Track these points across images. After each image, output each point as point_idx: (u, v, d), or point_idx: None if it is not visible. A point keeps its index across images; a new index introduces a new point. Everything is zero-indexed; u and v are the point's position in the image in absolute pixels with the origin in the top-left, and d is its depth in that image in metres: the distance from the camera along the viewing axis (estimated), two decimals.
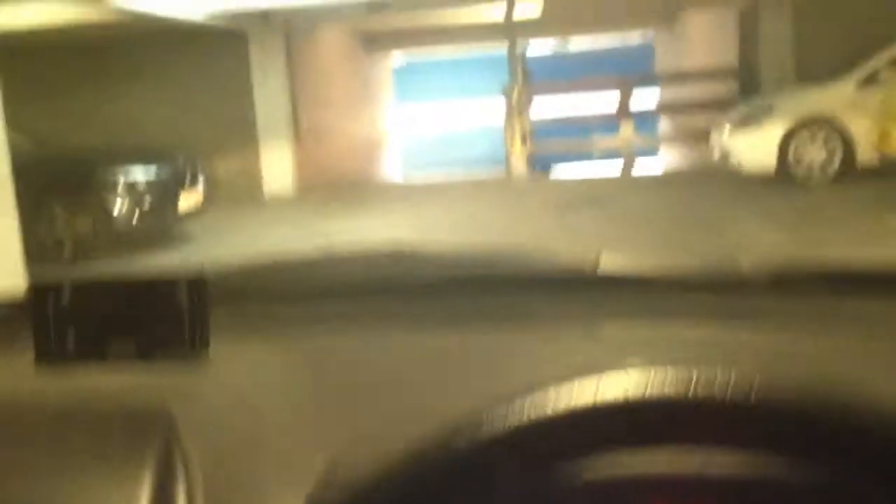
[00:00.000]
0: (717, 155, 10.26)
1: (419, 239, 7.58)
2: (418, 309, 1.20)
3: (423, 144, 17.31)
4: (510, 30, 11.73)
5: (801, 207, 8.22)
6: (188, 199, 8.70)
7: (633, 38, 18.46)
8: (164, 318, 0.87)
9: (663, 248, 6.34)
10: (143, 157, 8.72)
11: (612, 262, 1.29)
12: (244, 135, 11.87)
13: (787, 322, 1.13)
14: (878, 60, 9.22)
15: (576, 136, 12.99)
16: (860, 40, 9.64)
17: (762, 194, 8.97)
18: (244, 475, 0.78)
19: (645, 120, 13.70)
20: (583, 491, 0.82)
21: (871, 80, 9.14)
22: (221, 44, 11.67)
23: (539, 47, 17.89)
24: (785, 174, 9.34)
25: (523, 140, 11.76)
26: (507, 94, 11.96)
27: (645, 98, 13.60)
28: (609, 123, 12.55)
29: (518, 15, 11.73)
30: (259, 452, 0.81)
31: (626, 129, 12.03)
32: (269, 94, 11.91)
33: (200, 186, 8.94)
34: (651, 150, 13.88)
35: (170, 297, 0.87)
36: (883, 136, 8.47)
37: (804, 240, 6.82)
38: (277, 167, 11.96)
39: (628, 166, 11.99)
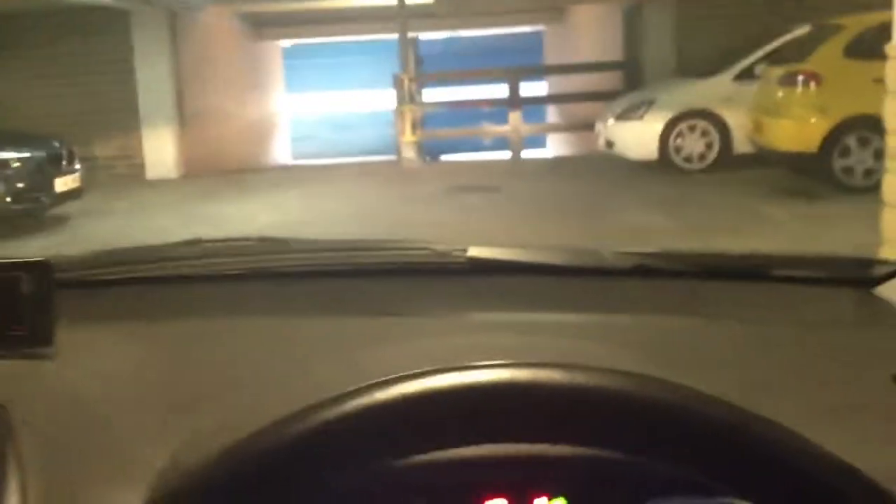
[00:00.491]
0: (602, 144, 10.51)
1: (300, 222, 7.51)
2: (283, 297, 1.19)
3: (312, 130, 17.10)
4: (402, 16, 11.70)
5: (681, 194, 8.49)
6: (65, 183, 8.44)
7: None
8: (4, 305, 0.84)
9: (547, 231, 6.44)
10: (16, 139, 8.48)
11: (482, 250, 1.30)
12: (126, 117, 11.52)
13: (652, 306, 1.17)
14: (754, 56, 9.59)
15: (466, 124, 13.08)
16: (737, 37, 10.04)
17: (644, 182, 9.22)
18: (83, 469, 0.76)
19: (534, 109, 13.89)
20: (417, 484, 0.83)
21: (746, 75, 9.50)
22: (104, 23, 11.28)
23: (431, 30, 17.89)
24: (666, 162, 9.65)
25: (414, 127, 11.77)
26: (398, 80, 11.94)
27: (533, 88, 13.78)
28: (498, 112, 12.67)
29: (411, 1, 11.72)
30: (100, 446, 0.79)
31: (515, 118, 12.17)
32: (152, 76, 11.57)
33: (78, 169, 8.70)
34: (540, 139, 14.08)
35: (11, 283, 0.84)
36: (757, 127, 8.81)
37: (683, 225, 7.04)
38: (161, 151, 11.65)
39: (516, 154, 12.14)
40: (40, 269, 0.86)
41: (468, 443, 0.51)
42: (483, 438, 0.51)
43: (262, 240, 1.39)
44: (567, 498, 0.86)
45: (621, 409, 0.50)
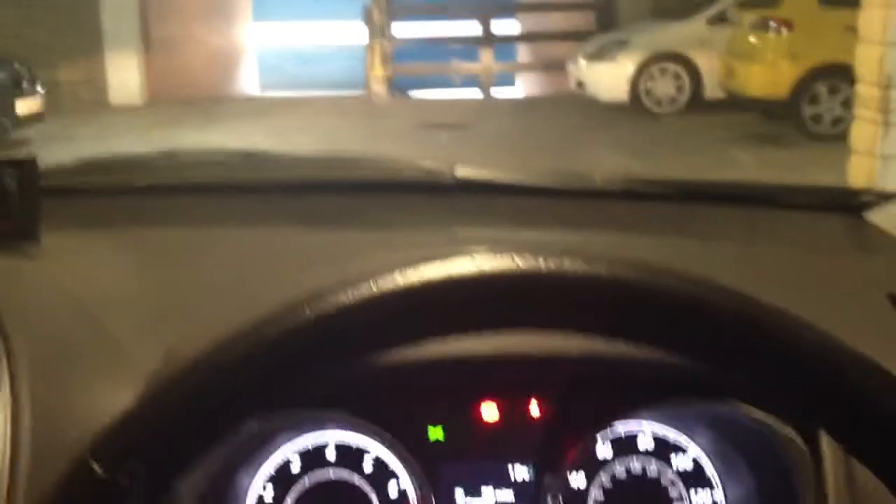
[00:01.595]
0: (573, 84, 10.45)
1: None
2: (267, 210, 1.16)
3: (281, 61, 16.81)
4: None
5: (651, 137, 8.50)
6: (27, 106, 8.28)
7: None
8: None
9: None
10: None
11: (469, 169, 1.29)
12: (90, 41, 11.23)
13: (640, 228, 1.17)
14: (727, 1, 9.54)
15: (436, 60, 12.93)
16: None
17: (615, 123, 9.21)
18: (74, 365, 0.75)
19: (504, 47, 13.74)
20: (406, 386, 0.82)
21: (719, 19, 9.46)
22: None
23: None
24: (637, 105, 9.63)
25: (384, 61, 11.60)
26: (368, 12, 11.73)
27: (505, 26, 13.62)
28: (469, 49, 12.53)
29: None
30: (90, 343, 0.78)
31: (486, 56, 12.04)
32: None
33: (40, 93, 8.52)
34: (510, 77, 13.98)
35: None
36: (728, 72, 8.81)
37: (653, 167, 7.06)
38: (125, 77, 11.41)
39: (486, 92, 12.04)
40: (26, 167, 0.84)
41: (457, 333, 0.50)
42: (473, 328, 0.50)
43: (244, 153, 1.36)
44: (559, 401, 0.86)
45: (624, 294, 0.48)
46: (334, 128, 9.44)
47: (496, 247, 0.50)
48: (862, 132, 4.92)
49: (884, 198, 1.16)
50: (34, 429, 0.69)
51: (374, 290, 0.48)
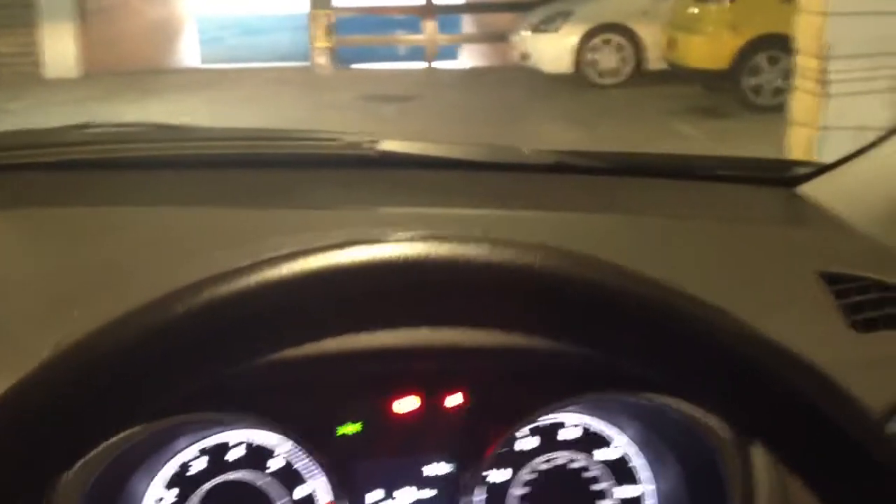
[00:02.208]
0: (517, 56, 10.40)
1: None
2: (181, 186, 1.10)
3: (223, 32, 16.49)
4: None
5: (595, 109, 8.49)
6: None
7: None
8: None
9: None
10: None
11: (394, 143, 1.24)
12: (23, 13, 10.87)
13: (571, 203, 1.13)
14: None
15: (380, 31, 12.78)
16: None
17: (559, 95, 9.19)
18: None
19: (449, 18, 13.62)
20: (319, 380, 0.78)
21: None
22: None
23: None
24: (581, 76, 9.62)
25: (327, 32, 11.44)
26: None
27: None
28: (412, 21, 12.41)
29: None
30: None
31: (430, 27, 11.92)
32: None
33: None
34: (454, 49, 13.88)
35: None
36: (671, 44, 8.83)
37: (596, 138, 7.06)
38: (61, 48, 11.07)
39: (431, 64, 11.94)
40: None
41: (372, 326, 0.44)
42: (385, 322, 0.45)
43: (160, 126, 1.29)
44: (478, 394, 0.82)
45: (545, 285, 0.44)
46: (277, 100, 9.28)
47: (407, 231, 0.45)
48: (801, 103, 4.95)
49: (817, 170, 1.13)
50: None
51: (252, 281, 0.43)
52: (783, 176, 1.15)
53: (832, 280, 0.88)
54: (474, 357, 0.78)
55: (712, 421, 0.76)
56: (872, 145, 1.06)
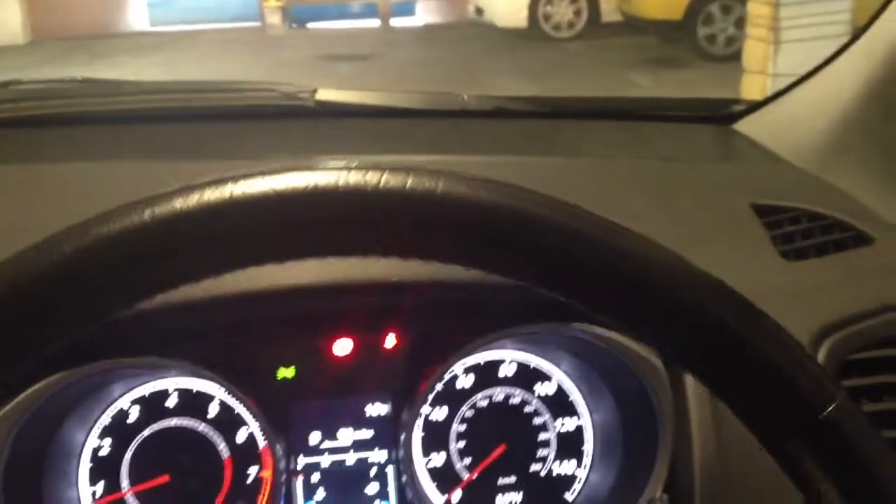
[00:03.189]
0: (471, 11, 10.33)
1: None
2: (112, 141, 1.08)
3: None
4: None
5: (551, 62, 8.46)
6: None
7: None
8: None
9: None
10: None
11: (331, 92, 1.22)
12: None
13: (511, 146, 1.12)
14: None
15: None
16: None
17: (515, 50, 9.13)
18: None
19: None
20: (253, 319, 0.76)
21: None
22: None
23: None
24: (536, 30, 9.57)
25: None
26: None
27: None
28: None
29: None
30: None
31: None
32: None
33: None
34: (409, 6, 13.74)
35: None
36: None
37: (553, 91, 7.04)
38: (5, 14, 10.80)
39: (385, 21, 11.81)
40: None
41: (291, 256, 0.43)
42: (315, 250, 0.43)
43: (88, 81, 1.26)
44: (414, 331, 0.81)
45: (482, 216, 0.42)
46: (230, 62, 9.14)
47: (337, 162, 0.43)
48: (754, 51, 4.97)
49: (751, 107, 1.13)
50: None
51: (165, 208, 0.41)
52: (718, 114, 1.16)
53: (764, 212, 0.89)
54: (405, 293, 0.77)
55: (643, 351, 0.76)
56: (802, 80, 1.06)
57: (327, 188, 0.41)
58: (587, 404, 0.87)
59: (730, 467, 0.73)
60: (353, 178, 0.42)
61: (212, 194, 0.41)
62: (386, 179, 0.42)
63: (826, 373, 0.45)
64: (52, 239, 0.41)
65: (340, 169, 0.43)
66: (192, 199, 0.41)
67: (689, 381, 0.76)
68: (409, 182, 0.43)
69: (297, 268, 0.73)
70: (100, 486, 0.82)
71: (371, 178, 0.42)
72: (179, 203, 0.41)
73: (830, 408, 0.44)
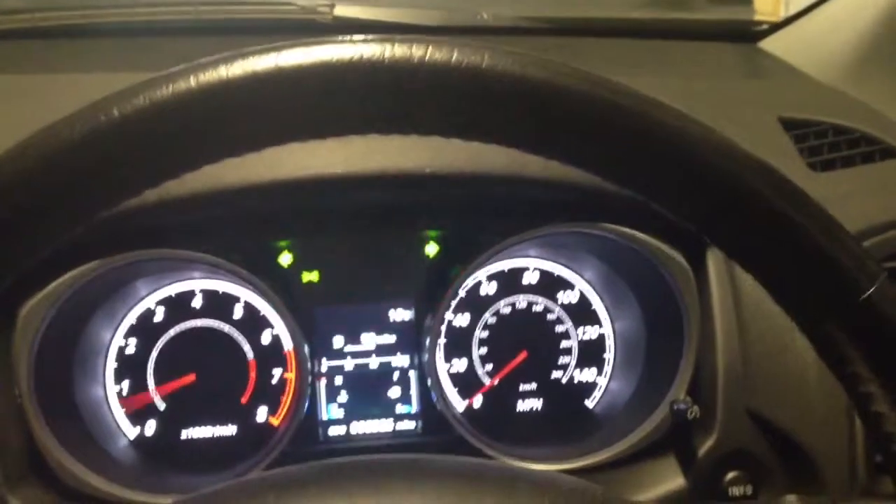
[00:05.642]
0: None
1: None
2: (125, 53, 1.07)
3: None
4: None
5: (556, 2, 8.34)
6: None
7: None
8: None
9: None
10: None
11: (350, 7, 1.20)
12: None
13: None
14: None
15: None
16: None
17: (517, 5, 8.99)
18: None
19: None
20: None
21: None
22: None
23: None
24: None
25: None
26: None
27: None
28: None
29: None
30: None
31: None
32: None
33: None
34: None
35: None
36: None
37: None
38: None
39: None
40: None
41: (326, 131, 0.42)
42: (340, 127, 0.42)
43: None
44: (437, 236, 0.81)
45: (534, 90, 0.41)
46: None
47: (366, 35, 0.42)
48: None
49: (776, 25, 1.12)
50: None
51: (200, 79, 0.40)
52: (744, 32, 1.14)
53: (791, 125, 0.88)
54: (433, 191, 0.76)
55: (670, 251, 0.76)
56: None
57: (373, 59, 0.40)
58: (609, 313, 0.87)
59: (752, 369, 0.73)
60: (398, 49, 0.41)
61: (257, 63, 0.40)
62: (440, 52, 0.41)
63: (869, 253, 0.45)
64: (104, 100, 0.40)
65: (386, 41, 0.42)
66: (239, 68, 0.40)
67: (714, 283, 0.76)
68: (457, 55, 0.42)
69: (320, 159, 0.72)
70: (125, 384, 0.83)
71: (419, 49, 0.41)
72: (225, 70, 0.40)
73: (872, 289, 0.43)
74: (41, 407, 0.71)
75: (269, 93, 0.40)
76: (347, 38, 0.42)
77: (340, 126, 0.43)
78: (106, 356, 0.82)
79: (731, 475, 0.74)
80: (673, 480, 0.75)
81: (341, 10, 1.18)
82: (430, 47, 0.42)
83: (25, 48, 1.10)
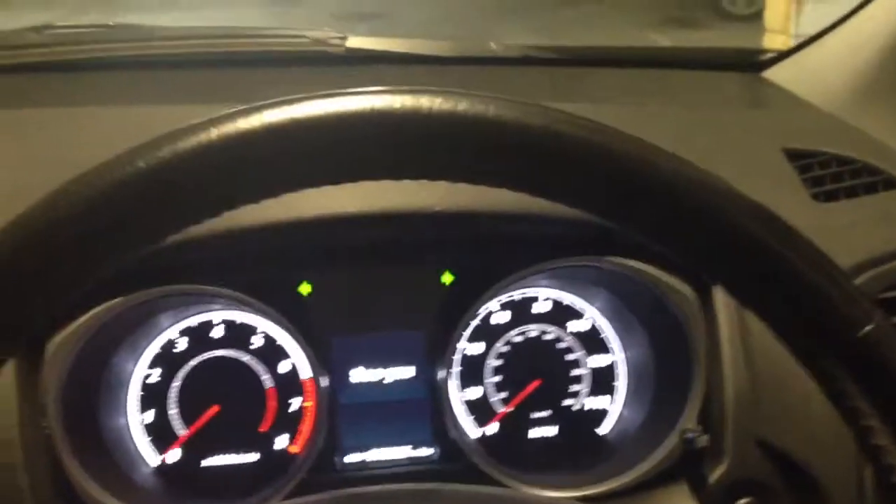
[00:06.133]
0: None
1: None
2: (143, 86, 1.09)
3: None
4: None
5: (568, 20, 8.36)
6: None
7: None
8: None
9: None
10: None
11: (362, 39, 1.23)
12: None
13: (531, 93, 1.13)
14: None
15: None
16: None
17: (533, 8, 9.02)
18: None
19: None
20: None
21: None
22: None
23: None
24: None
25: None
26: None
27: None
28: None
29: None
30: None
31: None
32: None
33: None
34: None
35: None
36: None
37: None
38: None
39: None
40: None
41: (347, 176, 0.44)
42: (360, 172, 0.44)
43: (120, 27, 1.27)
44: (453, 267, 0.83)
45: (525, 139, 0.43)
46: (238, 20, 9.09)
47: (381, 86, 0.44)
48: (776, 10, 4.92)
49: (780, 55, 1.14)
50: None
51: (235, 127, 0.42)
52: (748, 62, 1.16)
53: (795, 156, 0.90)
54: (445, 227, 0.78)
55: (678, 285, 0.78)
56: (831, 28, 1.07)
57: (383, 110, 0.42)
58: (620, 341, 0.89)
59: (761, 397, 0.75)
60: (408, 100, 0.44)
61: (282, 114, 0.42)
62: (462, 104, 0.43)
63: (864, 293, 0.46)
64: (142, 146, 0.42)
65: (410, 92, 0.44)
66: (257, 119, 0.42)
67: (721, 313, 0.77)
68: (467, 107, 0.44)
69: (334, 199, 0.75)
70: (149, 414, 0.85)
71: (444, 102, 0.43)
72: (246, 122, 0.42)
73: (868, 327, 0.45)
74: (69, 437, 0.73)
75: (289, 144, 0.42)
76: (361, 90, 0.45)
77: (352, 173, 0.45)
78: (128, 386, 0.84)
79: (742, 502, 0.76)
80: None
81: (353, 42, 1.21)
82: (439, 98, 0.44)
83: (42, 82, 1.12)
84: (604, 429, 0.89)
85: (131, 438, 0.85)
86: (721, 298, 0.77)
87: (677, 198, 0.45)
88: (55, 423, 0.73)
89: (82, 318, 0.73)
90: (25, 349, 0.72)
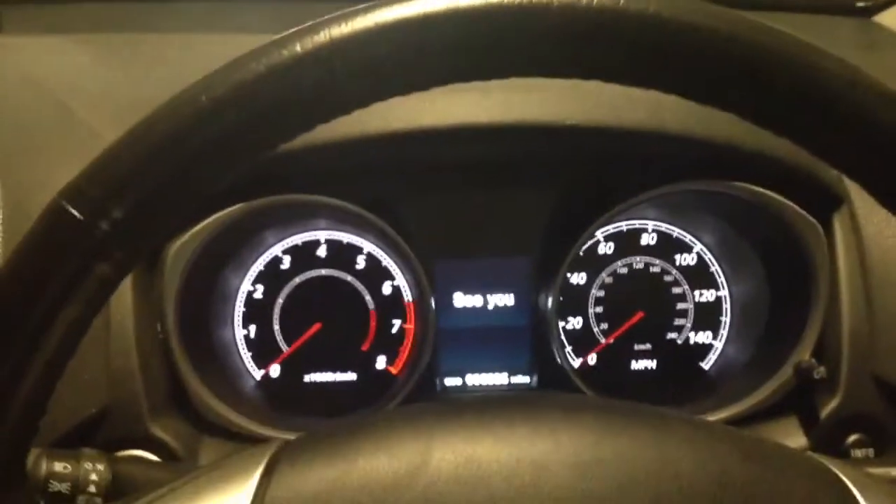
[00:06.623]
0: None
1: None
2: (247, 14, 1.09)
3: None
4: None
5: None
6: None
7: None
8: None
9: None
10: None
11: None
12: None
13: None
14: None
15: None
16: None
17: None
18: (42, 149, 0.71)
19: None
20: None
21: None
22: None
23: None
24: None
25: None
26: None
27: None
28: None
29: None
30: (58, 129, 0.73)
31: None
32: None
33: None
34: None
35: None
36: None
37: None
38: None
39: None
40: None
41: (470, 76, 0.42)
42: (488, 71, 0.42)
43: None
44: (558, 193, 0.82)
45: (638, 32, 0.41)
46: None
47: None
48: None
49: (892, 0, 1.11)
50: (4, 200, 0.66)
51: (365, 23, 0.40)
52: (859, 6, 1.13)
53: None
54: (562, 144, 0.77)
55: (798, 210, 0.76)
56: None
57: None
58: (727, 277, 0.87)
59: (879, 334, 0.73)
60: None
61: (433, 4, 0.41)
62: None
63: None
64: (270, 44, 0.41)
65: None
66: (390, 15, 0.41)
67: (842, 246, 0.75)
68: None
69: (461, 109, 0.73)
70: (253, 329, 0.86)
71: None
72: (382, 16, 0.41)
73: None
74: (183, 343, 0.74)
75: (442, 34, 0.41)
76: None
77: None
78: (235, 301, 0.85)
79: (852, 437, 0.74)
80: (794, 441, 0.76)
81: None
82: None
83: (146, 9, 1.13)
84: (707, 363, 0.88)
85: (237, 351, 0.86)
86: (842, 231, 0.75)
87: (830, 95, 0.43)
88: (172, 328, 0.73)
89: (200, 224, 0.74)
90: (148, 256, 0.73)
